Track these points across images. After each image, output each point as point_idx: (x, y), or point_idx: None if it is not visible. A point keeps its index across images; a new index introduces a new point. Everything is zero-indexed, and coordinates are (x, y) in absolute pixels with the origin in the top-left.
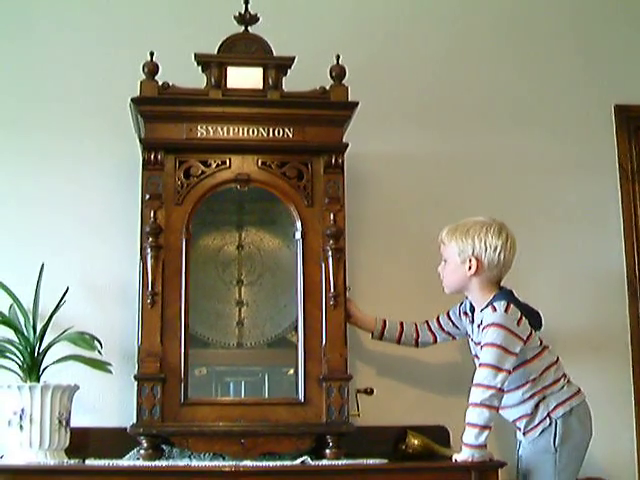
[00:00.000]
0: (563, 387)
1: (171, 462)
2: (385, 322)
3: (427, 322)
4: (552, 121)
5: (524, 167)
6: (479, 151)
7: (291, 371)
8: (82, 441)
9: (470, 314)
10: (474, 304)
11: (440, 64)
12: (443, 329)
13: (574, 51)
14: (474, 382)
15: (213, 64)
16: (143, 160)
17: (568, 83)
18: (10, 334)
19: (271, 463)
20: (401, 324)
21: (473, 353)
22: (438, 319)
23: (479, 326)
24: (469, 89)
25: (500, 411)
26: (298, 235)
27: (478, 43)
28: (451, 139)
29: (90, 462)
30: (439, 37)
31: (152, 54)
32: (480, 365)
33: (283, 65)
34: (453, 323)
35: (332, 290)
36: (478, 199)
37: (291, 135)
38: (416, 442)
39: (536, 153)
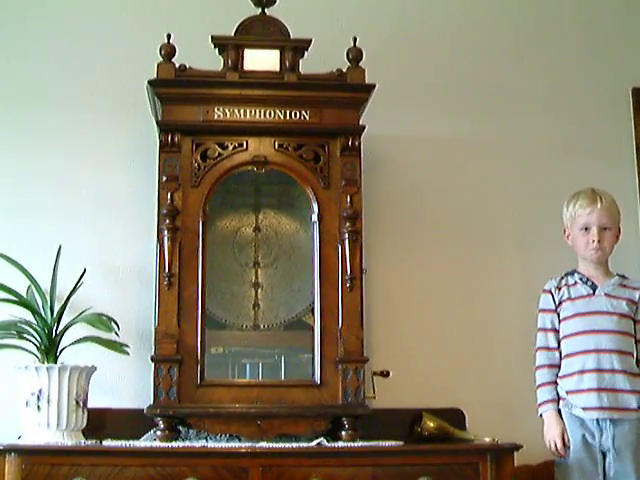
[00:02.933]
0: None
1: (187, 443)
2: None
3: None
4: (570, 104)
5: (541, 150)
6: (496, 133)
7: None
8: (99, 422)
9: (581, 283)
10: (598, 273)
11: (457, 46)
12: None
13: (592, 35)
14: None
15: (230, 46)
16: (160, 142)
17: (586, 66)
18: (28, 315)
19: (287, 445)
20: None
21: (580, 329)
22: (555, 330)
23: (611, 296)
24: (486, 71)
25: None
26: (315, 217)
27: (495, 25)
28: (468, 121)
29: (107, 443)
30: (456, 20)
31: (169, 36)
32: None
33: (300, 47)
34: (558, 314)
35: (348, 272)
36: (495, 181)
37: (308, 117)
38: (432, 424)
39: (553, 136)
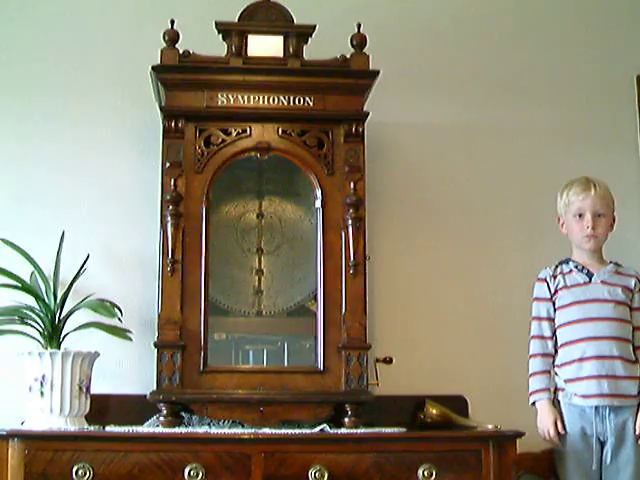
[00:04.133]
0: None
1: (190, 429)
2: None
3: (553, 338)
4: (574, 92)
5: (545, 137)
6: (500, 120)
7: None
8: (102, 408)
9: (577, 271)
10: (593, 261)
11: (461, 33)
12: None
13: (595, 22)
14: None
15: (234, 32)
16: (163, 128)
17: (590, 55)
18: (31, 301)
19: (290, 431)
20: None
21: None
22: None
23: (607, 283)
24: (491, 59)
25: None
26: (318, 204)
27: (500, 12)
28: (472, 108)
29: (110, 428)
30: (460, 6)
31: (173, 22)
32: None
33: (304, 33)
34: (554, 303)
35: (352, 259)
36: (499, 168)
37: (312, 103)
38: (434, 412)
39: (558, 123)
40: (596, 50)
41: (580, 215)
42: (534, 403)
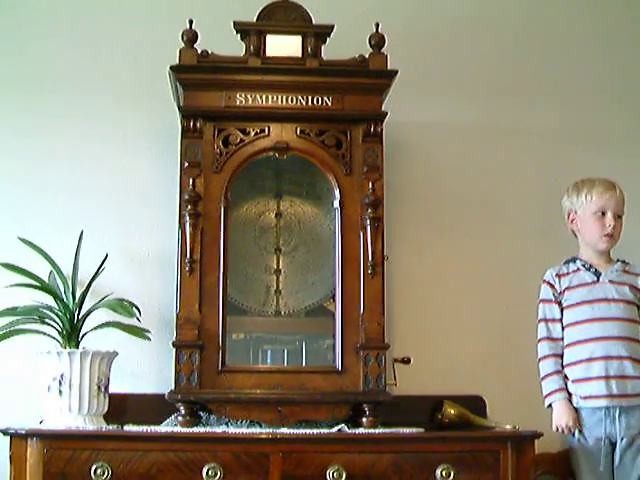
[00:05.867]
0: None
1: (208, 429)
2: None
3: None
4: (590, 93)
5: (562, 137)
6: (518, 120)
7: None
8: (120, 407)
9: (584, 270)
10: (601, 260)
11: (480, 31)
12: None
13: (614, 22)
14: None
15: (252, 32)
16: (182, 128)
17: (606, 55)
18: (50, 300)
19: (308, 431)
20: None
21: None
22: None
23: (615, 282)
24: (508, 58)
25: None
26: (336, 204)
27: (518, 12)
28: (490, 108)
29: (128, 428)
30: (478, 6)
31: (191, 22)
32: None
33: (322, 33)
34: (560, 303)
35: (370, 259)
36: (517, 167)
37: (330, 103)
38: (452, 412)
39: (573, 123)
40: (612, 51)
41: (603, 213)
42: (550, 405)
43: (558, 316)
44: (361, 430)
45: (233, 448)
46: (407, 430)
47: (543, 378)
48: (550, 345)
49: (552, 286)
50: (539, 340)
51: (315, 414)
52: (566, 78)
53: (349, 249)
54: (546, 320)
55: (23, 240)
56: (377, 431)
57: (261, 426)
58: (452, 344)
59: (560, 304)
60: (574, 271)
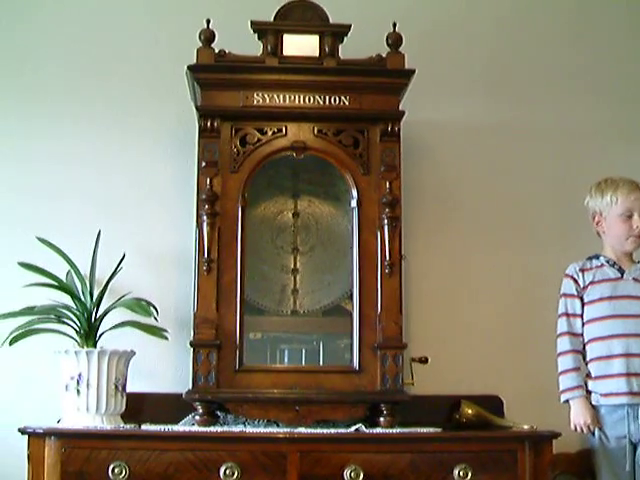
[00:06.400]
0: None
1: (226, 428)
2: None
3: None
4: (610, 91)
5: (579, 136)
6: (535, 119)
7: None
8: (138, 406)
9: (608, 266)
10: (624, 260)
11: (498, 31)
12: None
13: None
14: None
15: (269, 32)
16: (199, 127)
17: (624, 53)
18: (67, 300)
19: (325, 430)
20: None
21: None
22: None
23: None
24: (526, 57)
25: None
26: (354, 203)
27: (536, 11)
28: (507, 107)
29: (146, 427)
30: (496, 4)
31: (208, 22)
32: None
33: (339, 32)
34: (582, 298)
35: (387, 258)
36: (534, 167)
37: (347, 103)
38: (470, 411)
39: (592, 122)
40: (632, 48)
41: (629, 215)
42: (567, 401)
43: (579, 311)
44: (378, 430)
45: (250, 447)
46: (424, 430)
47: (561, 373)
48: (571, 340)
49: (575, 281)
50: (559, 335)
51: (332, 414)
52: (586, 77)
53: (366, 248)
54: (567, 315)
55: (41, 240)
56: (394, 431)
57: (278, 426)
58: (469, 344)
59: (582, 299)
60: (597, 267)
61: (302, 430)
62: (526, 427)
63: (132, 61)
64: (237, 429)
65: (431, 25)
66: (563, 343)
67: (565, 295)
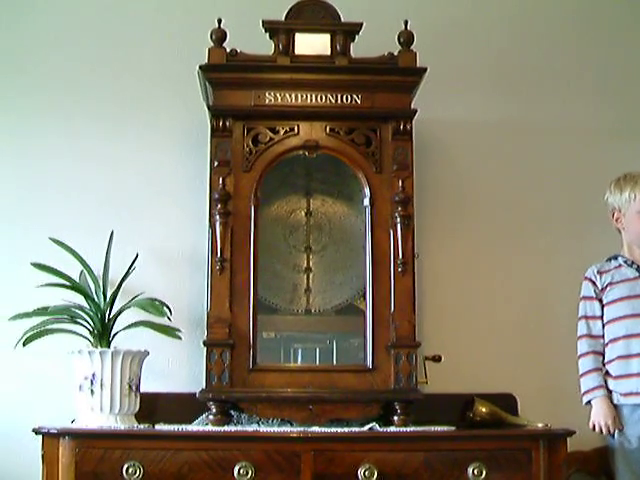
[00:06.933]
0: None
1: (239, 427)
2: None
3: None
4: (621, 88)
5: (593, 134)
6: (547, 117)
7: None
8: (152, 406)
9: (627, 266)
10: None
11: (509, 28)
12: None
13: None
14: None
15: (281, 31)
16: (211, 127)
17: (636, 50)
18: (81, 300)
19: (339, 429)
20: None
21: (626, 312)
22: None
23: None
24: (538, 55)
25: None
26: (367, 202)
27: (547, 10)
28: (519, 105)
29: (159, 427)
30: (507, 3)
31: (220, 21)
32: None
33: (351, 31)
34: (601, 300)
35: (400, 257)
36: (546, 164)
37: (359, 101)
38: (484, 410)
39: (604, 120)
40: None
41: None
42: (589, 402)
43: (599, 313)
44: (392, 429)
45: (264, 447)
46: (438, 428)
47: (582, 375)
48: (590, 342)
49: (593, 283)
50: (579, 337)
51: (346, 413)
52: (598, 75)
53: (379, 247)
54: (587, 317)
55: (54, 240)
56: (408, 429)
57: (292, 425)
58: (483, 342)
59: (601, 301)
60: (616, 267)
61: (316, 429)
62: (540, 425)
63: (145, 61)
64: (251, 428)
65: (442, 23)
66: (582, 345)
67: (584, 298)
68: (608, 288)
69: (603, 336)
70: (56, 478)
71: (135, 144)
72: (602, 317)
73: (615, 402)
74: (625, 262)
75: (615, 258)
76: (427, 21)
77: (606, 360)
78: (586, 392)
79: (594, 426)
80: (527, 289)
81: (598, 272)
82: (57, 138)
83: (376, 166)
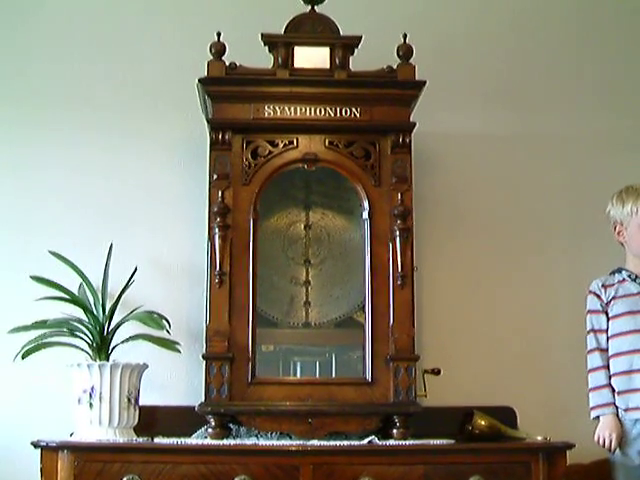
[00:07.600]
0: None
1: (238, 441)
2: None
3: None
4: (628, 101)
5: (592, 148)
6: (548, 131)
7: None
8: (151, 419)
9: (630, 281)
10: None
11: (508, 42)
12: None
13: None
14: None
15: (280, 44)
16: (211, 140)
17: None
18: (79, 313)
19: (338, 443)
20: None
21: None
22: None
23: None
24: (539, 69)
25: None
26: (365, 215)
27: (550, 22)
28: (520, 119)
29: (158, 440)
30: (508, 15)
31: (219, 34)
32: None
33: (350, 44)
34: (607, 313)
35: (399, 270)
36: (546, 179)
37: (358, 115)
38: (483, 423)
39: (606, 134)
40: None
41: None
42: (597, 417)
43: (605, 327)
44: (391, 442)
45: (263, 460)
46: (438, 441)
47: (593, 389)
48: (602, 356)
49: (598, 297)
50: (590, 351)
51: (345, 426)
52: (601, 88)
53: (378, 260)
54: (594, 331)
55: (53, 253)
56: (407, 442)
57: (291, 438)
58: (482, 355)
59: (607, 314)
60: (620, 282)
61: (315, 442)
62: (539, 438)
63: (145, 74)
64: (250, 442)
65: (441, 36)
66: (593, 359)
67: (590, 312)
68: (612, 302)
69: (608, 349)
70: None
71: (135, 157)
72: (607, 331)
73: (620, 417)
74: (629, 276)
75: (619, 272)
76: (426, 34)
77: (610, 373)
78: (596, 407)
79: (598, 439)
80: (527, 302)
81: (603, 286)
82: (55, 150)
83: (375, 179)
